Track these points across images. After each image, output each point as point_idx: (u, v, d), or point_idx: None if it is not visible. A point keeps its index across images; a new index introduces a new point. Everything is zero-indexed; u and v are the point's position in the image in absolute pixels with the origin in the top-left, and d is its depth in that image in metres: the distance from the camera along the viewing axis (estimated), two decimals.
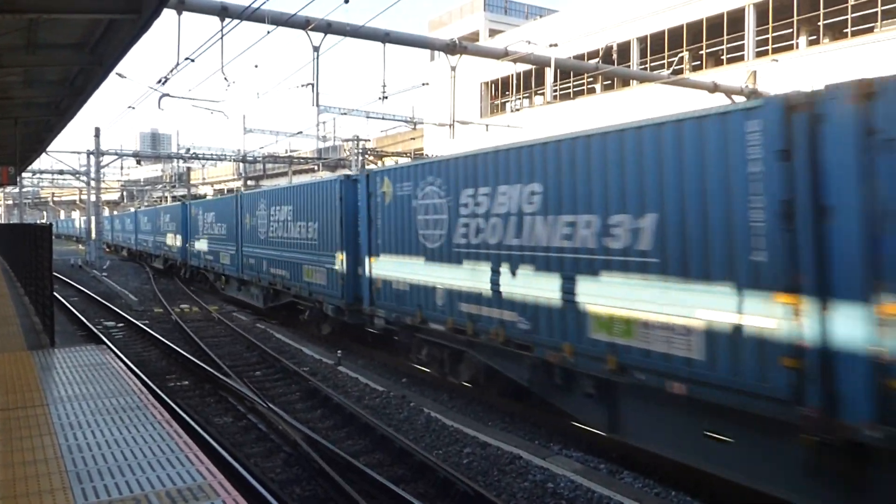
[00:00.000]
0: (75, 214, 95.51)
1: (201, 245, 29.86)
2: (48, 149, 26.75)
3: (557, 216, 9.64)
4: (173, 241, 35.17)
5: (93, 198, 42.66)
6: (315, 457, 8.61)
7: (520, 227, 10.36)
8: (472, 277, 11.49)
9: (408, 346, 14.05)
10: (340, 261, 16.32)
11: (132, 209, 65.82)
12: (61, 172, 51.75)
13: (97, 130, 39.67)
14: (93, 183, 42.18)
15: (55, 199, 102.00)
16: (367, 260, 14.99)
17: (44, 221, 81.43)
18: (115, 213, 73.39)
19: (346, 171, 41.46)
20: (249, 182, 62.34)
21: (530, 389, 10.76)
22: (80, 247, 62.29)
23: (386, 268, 14.24)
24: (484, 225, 11.17)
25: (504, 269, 10.74)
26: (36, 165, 51.38)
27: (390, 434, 9.65)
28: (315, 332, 18.84)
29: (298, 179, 50.68)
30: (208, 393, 12.66)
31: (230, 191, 65.53)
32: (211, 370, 13.56)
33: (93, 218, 43.56)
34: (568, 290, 9.47)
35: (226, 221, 26.13)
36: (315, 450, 8.90)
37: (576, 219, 9.30)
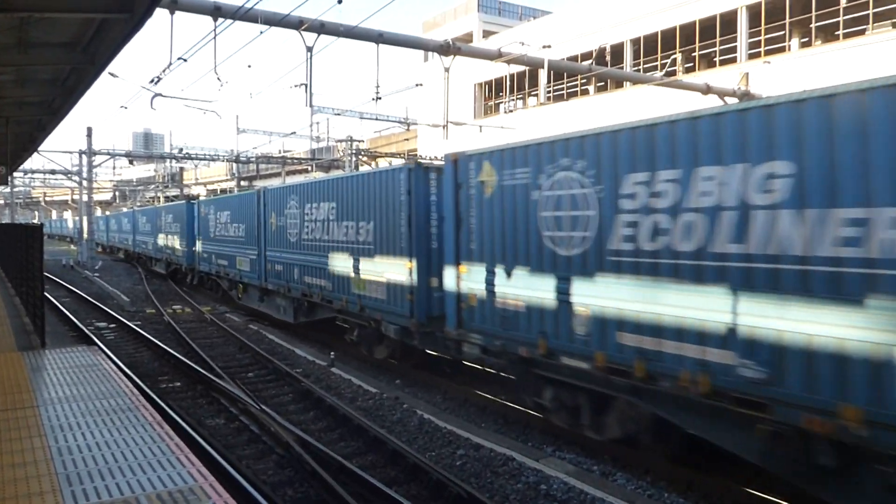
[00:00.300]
0: (67, 214, 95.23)
1: (212, 248, 26.55)
2: (40, 148, 26.67)
3: (827, 210, 6.57)
4: (178, 243, 31.80)
5: (85, 198, 42.50)
6: (307, 458, 8.58)
7: (743, 226, 7.25)
8: (645, 297, 8.31)
9: (521, 386, 10.83)
10: (408, 270, 13.28)
11: (124, 209, 65.52)
12: (53, 172, 51.61)
13: (89, 130, 39.59)
14: (85, 183, 42.03)
15: (47, 199, 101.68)
16: (452, 270, 11.85)
17: (35, 221, 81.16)
18: (108, 212, 73.09)
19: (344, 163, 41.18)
20: (243, 182, 62.22)
21: (765, 468, 7.63)
22: (72, 247, 62.11)
23: (485, 280, 11.03)
24: (669, 224, 8.06)
25: (710, 289, 7.61)
26: (28, 165, 51.24)
27: (383, 436, 9.63)
28: (366, 355, 15.83)
29: (291, 180, 50.61)
30: (200, 394, 12.61)
31: (223, 191, 65.45)
32: (203, 371, 13.51)
33: (84, 218, 43.38)
34: (851, 325, 6.39)
35: (244, 222, 22.80)
36: (307, 451, 8.87)
37: (870, 214, 6.25)
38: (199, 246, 28.61)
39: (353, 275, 15.40)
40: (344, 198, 15.91)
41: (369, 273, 14.73)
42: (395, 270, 13.74)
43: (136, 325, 19.67)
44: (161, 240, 35.57)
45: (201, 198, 35.62)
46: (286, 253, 19.28)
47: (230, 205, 24.81)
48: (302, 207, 18.18)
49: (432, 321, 13.11)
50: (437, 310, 12.98)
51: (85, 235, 43.12)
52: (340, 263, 15.99)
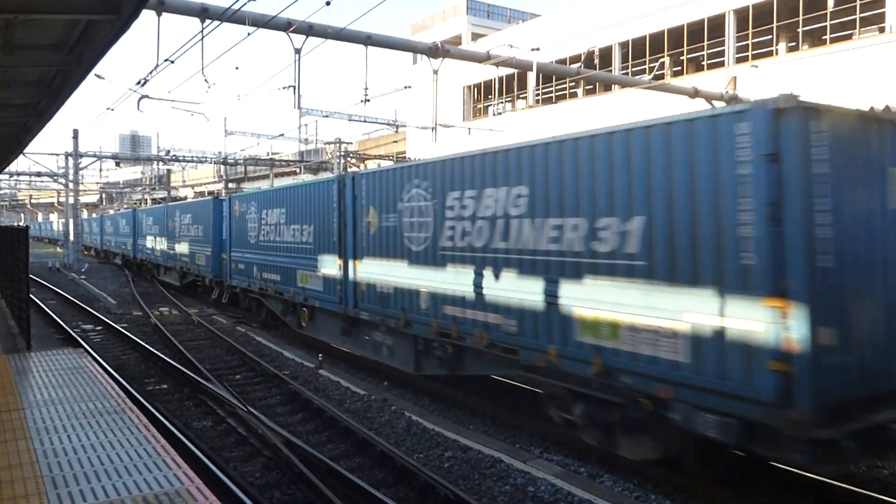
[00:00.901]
0: (53, 217, 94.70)
1: (254, 257, 20.71)
2: (26, 150, 26.48)
3: None
4: (199, 249, 26.41)
5: (71, 200, 42.27)
6: (295, 461, 8.56)
7: None
8: None
9: None
10: (776, 313, 6.88)
11: (111, 211, 65.01)
12: (39, 174, 51.25)
13: (75, 132, 39.37)
14: (71, 185, 41.80)
15: (33, 201, 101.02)
16: None
17: (21, 223, 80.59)
18: (95, 214, 72.64)
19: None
20: (231, 185, 62.01)
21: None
22: (59, 249, 61.68)
23: None
24: None
25: None
26: (13, 167, 50.97)
27: (371, 438, 9.62)
28: (597, 446, 9.38)
29: (280, 182, 50.48)
30: (187, 397, 12.56)
31: (210, 193, 65.15)
32: (190, 374, 13.45)
33: (71, 220, 43.15)
34: None
35: (312, 222, 16.80)
36: (295, 454, 8.86)
37: None
38: (231, 254, 22.77)
39: (578, 312, 9.03)
40: (549, 178, 9.55)
41: (635, 310, 8.29)
42: (724, 311, 7.39)
43: (122, 327, 19.57)
44: (174, 245, 30.28)
45: (191, 197, 32.83)
46: (407, 268, 12.77)
47: (287, 199, 18.46)
48: (439, 197, 11.84)
49: (831, 414, 6.87)
50: (836, 391, 6.95)
51: (71, 238, 42.86)
52: (536, 289, 9.67)
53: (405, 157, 46.81)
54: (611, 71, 34.72)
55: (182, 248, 28.91)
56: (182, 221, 29.06)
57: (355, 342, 15.16)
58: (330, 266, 15.77)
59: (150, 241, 35.50)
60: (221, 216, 24.29)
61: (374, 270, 13.86)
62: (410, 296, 12.64)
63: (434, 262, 11.93)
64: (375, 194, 13.84)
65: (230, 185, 62.01)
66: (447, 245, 11.58)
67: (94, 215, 72.09)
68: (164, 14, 14.64)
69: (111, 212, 63.61)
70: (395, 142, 52.25)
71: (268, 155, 61.87)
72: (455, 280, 11.34)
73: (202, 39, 14.54)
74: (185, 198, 67.08)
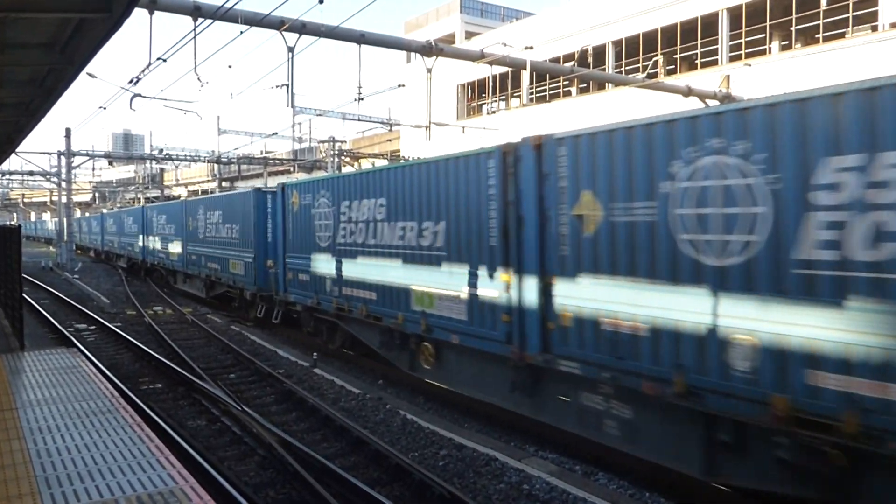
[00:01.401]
0: (46, 216, 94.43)
1: (325, 266, 15.55)
2: (18, 149, 26.38)
3: None
4: (233, 255, 21.70)
5: (64, 199, 42.14)
6: (290, 460, 8.55)
7: None
8: None
9: None
10: None
11: (104, 210, 64.76)
12: (31, 173, 51.07)
13: (68, 131, 39.24)
14: (63, 184, 41.66)
15: (25, 200, 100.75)
16: None
17: (13, 223, 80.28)
18: (88, 213, 72.37)
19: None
20: (224, 184, 61.91)
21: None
22: (52, 249, 61.49)
23: None
24: None
25: None
26: (5, 166, 50.77)
27: (366, 436, 9.62)
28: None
29: (274, 181, 50.36)
30: (181, 396, 12.53)
31: (204, 192, 64.93)
32: (184, 373, 13.42)
33: (64, 220, 43.01)
34: None
35: (441, 217, 11.59)
36: (290, 453, 8.85)
37: None
38: (286, 260, 17.71)
39: None
40: None
41: None
42: None
43: (116, 326, 19.52)
44: (196, 248, 25.63)
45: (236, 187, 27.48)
46: (690, 295, 7.43)
47: (389, 184, 13.21)
48: (788, 170, 6.50)
49: None
50: None
51: (64, 237, 42.71)
52: None
53: (400, 156, 46.78)
54: (604, 69, 34.78)
55: (209, 252, 24.10)
56: (208, 220, 24.08)
57: (539, 404, 10.04)
58: (483, 284, 10.65)
59: (163, 243, 30.55)
60: (266, 212, 19.75)
61: (597, 295, 8.61)
62: (700, 344, 7.34)
63: (775, 288, 6.61)
64: (597, 169, 8.59)
65: (224, 183, 61.91)
66: (819, 258, 6.25)
67: (87, 214, 71.81)
68: (157, 12, 14.60)
69: (105, 211, 63.38)
70: (390, 140, 52.23)
71: (261, 154, 61.77)
72: (845, 325, 6.07)
73: (195, 38, 14.52)
74: (179, 196, 66.84)
